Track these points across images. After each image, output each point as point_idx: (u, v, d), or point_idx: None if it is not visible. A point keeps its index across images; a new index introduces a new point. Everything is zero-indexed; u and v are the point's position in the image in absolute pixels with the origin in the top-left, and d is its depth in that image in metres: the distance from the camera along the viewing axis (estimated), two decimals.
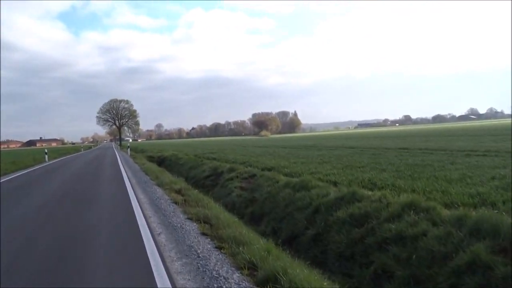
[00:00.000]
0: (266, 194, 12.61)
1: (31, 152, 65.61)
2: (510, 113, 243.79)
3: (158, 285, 4.63)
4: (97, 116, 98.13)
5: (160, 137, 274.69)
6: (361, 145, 31.49)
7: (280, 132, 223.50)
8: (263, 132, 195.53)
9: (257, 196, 13.06)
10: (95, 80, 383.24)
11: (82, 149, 73.98)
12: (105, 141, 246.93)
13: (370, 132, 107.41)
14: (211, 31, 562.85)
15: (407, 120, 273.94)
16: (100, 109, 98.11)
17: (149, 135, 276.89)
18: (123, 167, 22.88)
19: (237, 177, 16.74)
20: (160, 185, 14.70)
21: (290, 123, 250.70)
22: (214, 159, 25.67)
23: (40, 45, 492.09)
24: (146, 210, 9.62)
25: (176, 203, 10.85)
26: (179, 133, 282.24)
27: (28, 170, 24.58)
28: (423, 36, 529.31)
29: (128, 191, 12.83)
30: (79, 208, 10.13)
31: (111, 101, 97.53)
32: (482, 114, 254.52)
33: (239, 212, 12.60)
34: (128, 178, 17.26)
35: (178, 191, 13.13)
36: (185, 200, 11.22)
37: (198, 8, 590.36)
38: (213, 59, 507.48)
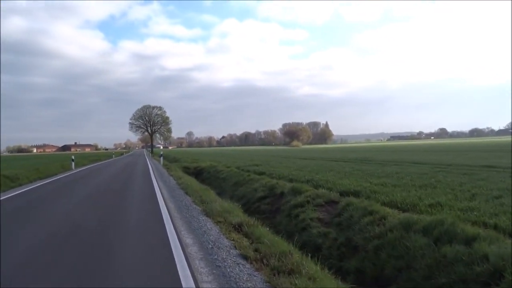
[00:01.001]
0: (375, 239, 8.09)
1: (62, 158, 63.12)
2: None
3: None
4: (130, 122, 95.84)
5: (190, 145, 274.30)
6: (426, 160, 26.61)
7: (311, 143, 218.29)
8: (294, 143, 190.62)
9: (357, 240, 8.54)
10: (130, 88, 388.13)
11: (113, 156, 71.12)
12: (136, 148, 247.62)
13: (408, 145, 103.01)
14: (245, 41, 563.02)
15: (443, 133, 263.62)
16: (133, 115, 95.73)
17: (179, 142, 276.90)
18: (156, 182, 18.77)
19: (308, 202, 12.23)
20: (209, 214, 10.36)
21: (321, 134, 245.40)
22: (263, 173, 21.28)
23: (79, 53, 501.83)
24: (203, 283, 5.24)
25: (246, 258, 6.49)
26: (209, 142, 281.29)
27: (47, 181, 20.77)
28: (461, 47, 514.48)
29: (166, 226, 8.52)
30: (83, 265, 5.86)
31: (144, 107, 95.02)
32: None
33: (329, 262, 8.14)
34: (164, 199, 13.05)
35: (238, 228, 8.78)
36: (257, 251, 6.86)
37: (233, 18, 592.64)
38: (245, 69, 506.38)
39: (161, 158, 34.37)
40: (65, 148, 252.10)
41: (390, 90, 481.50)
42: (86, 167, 35.32)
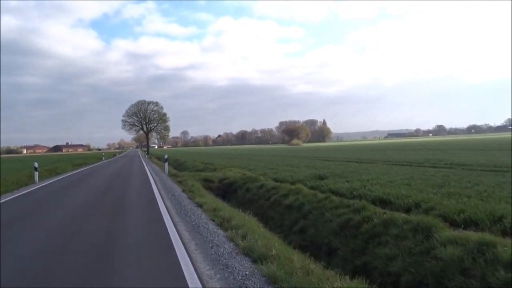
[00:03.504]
0: None
1: (45, 160, 53.08)
2: None
3: None
4: (122, 120, 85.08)
5: (186, 144, 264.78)
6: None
7: (309, 141, 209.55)
8: (295, 141, 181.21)
9: None
10: (124, 87, 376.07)
11: (103, 158, 60.95)
12: (130, 148, 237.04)
13: (409, 143, 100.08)
14: (240, 40, 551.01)
15: (441, 130, 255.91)
16: (126, 111, 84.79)
17: (175, 142, 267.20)
18: (183, 245, 6.84)
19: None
20: None
21: (319, 131, 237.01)
22: (357, 196, 11.71)
23: (72, 53, 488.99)
24: None
25: None
26: (205, 141, 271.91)
27: None
28: (456, 45, 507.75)
29: None
30: None
31: (138, 102, 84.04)
32: None
33: None
34: None
35: None
36: None
37: (228, 16, 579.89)
38: (240, 67, 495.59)
39: (166, 164, 24.09)
40: (57, 148, 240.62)
41: (385, 87, 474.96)
42: (61, 176, 25.47)
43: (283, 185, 14.89)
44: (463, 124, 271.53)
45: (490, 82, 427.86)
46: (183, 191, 14.47)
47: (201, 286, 4.63)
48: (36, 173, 20.93)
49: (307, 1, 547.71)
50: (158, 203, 11.30)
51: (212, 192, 17.52)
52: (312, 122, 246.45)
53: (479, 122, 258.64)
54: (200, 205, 10.92)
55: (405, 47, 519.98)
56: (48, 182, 20.02)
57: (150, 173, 24.11)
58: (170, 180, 19.32)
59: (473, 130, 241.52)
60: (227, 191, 18.21)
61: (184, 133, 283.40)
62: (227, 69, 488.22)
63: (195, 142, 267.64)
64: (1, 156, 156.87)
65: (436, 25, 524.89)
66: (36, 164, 21.28)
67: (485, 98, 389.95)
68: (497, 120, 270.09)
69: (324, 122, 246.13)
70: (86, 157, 66.15)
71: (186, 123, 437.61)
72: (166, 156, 25.23)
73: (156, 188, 15.10)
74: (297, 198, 12.27)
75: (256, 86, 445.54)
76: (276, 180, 17.23)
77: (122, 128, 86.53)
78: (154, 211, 10.07)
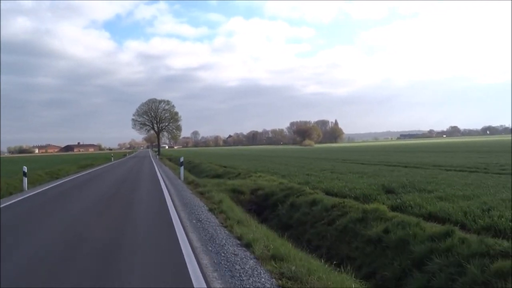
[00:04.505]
0: None
1: (46, 161, 49.58)
2: None
3: None
4: (133, 119, 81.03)
5: (196, 144, 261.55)
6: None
7: (321, 142, 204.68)
8: (307, 142, 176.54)
9: None
10: (135, 88, 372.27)
11: (112, 158, 57.10)
12: (141, 148, 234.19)
13: (425, 143, 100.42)
14: (251, 40, 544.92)
15: (454, 131, 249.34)
16: (137, 110, 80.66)
17: (185, 142, 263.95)
18: None
19: None
20: None
21: (331, 132, 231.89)
22: (441, 218, 7.51)
23: (85, 54, 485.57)
24: None
25: None
26: (216, 141, 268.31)
27: None
28: (467, 43, 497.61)
29: None
30: None
31: (149, 101, 79.71)
32: None
33: None
34: None
35: None
36: None
37: (239, 17, 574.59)
38: (251, 68, 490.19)
39: (182, 168, 19.72)
40: (68, 148, 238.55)
41: (396, 88, 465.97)
42: (58, 181, 21.50)
43: (347, 203, 10.63)
44: (477, 125, 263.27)
45: (502, 83, 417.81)
46: (210, 210, 10.28)
47: None
48: (25, 179, 16.90)
49: (317, 2, 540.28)
50: (179, 238, 7.08)
51: (243, 207, 13.36)
52: (323, 123, 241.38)
53: (494, 123, 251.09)
54: (246, 244, 6.72)
55: (416, 48, 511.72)
56: (36, 192, 15.87)
57: (163, 179, 19.94)
58: (188, 190, 15.12)
59: (488, 132, 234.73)
60: (262, 205, 14.00)
61: (195, 133, 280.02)
62: (238, 70, 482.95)
63: (205, 143, 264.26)
64: (12, 156, 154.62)
65: (447, 25, 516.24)
66: (25, 169, 17.25)
67: (498, 99, 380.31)
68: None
69: (336, 123, 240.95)
70: (95, 158, 62.46)
71: (197, 124, 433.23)
72: (181, 159, 20.99)
73: (172, 206, 10.87)
74: (387, 228, 8.04)
75: (267, 86, 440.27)
76: (327, 193, 13.02)
77: (133, 128, 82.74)
78: (173, 258, 5.88)
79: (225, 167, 28.50)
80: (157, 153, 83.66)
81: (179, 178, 20.01)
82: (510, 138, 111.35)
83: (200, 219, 8.98)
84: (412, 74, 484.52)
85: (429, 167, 21.70)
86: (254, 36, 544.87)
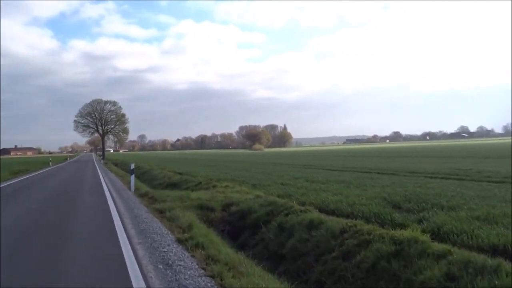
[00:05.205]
0: None
1: None
2: (501, 131, 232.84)
3: None
4: (75, 121, 74.68)
5: (143, 148, 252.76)
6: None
7: (270, 146, 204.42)
8: (257, 146, 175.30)
9: None
10: (80, 89, 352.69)
11: (50, 163, 51.52)
12: (84, 151, 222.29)
13: (373, 148, 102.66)
14: (201, 43, 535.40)
15: (397, 136, 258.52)
16: (80, 111, 74.31)
17: (131, 146, 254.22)
18: None
19: None
20: None
21: (280, 137, 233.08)
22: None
23: (26, 52, 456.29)
24: None
25: None
26: (163, 145, 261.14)
27: None
28: (411, 53, 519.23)
29: None
30: None
31: (94, 101, 73.66)
32: (474, 132, 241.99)
33: None
34: None
35: None
36: None
37: (189, 19, 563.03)
38: (201, 71, 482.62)
39: (133, 177, 16.06)
40: (4, 151, 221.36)
41: (342, 94, 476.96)
42: None
43: (360, 226, 8.00)
44: (417, 131, 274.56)
45: (441, 91, 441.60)
46: (180, 242, 7.25)
47: None
48: None
49: (269, 8, 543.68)
50: None
51: (214, 228, 10.42)
52: (272, 127, 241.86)
53: (433, 129, 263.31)
54: None
55: (362, 56, 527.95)
56: None
57: (109, 191, 16.38)
58: (142, 206, 11.87)
59: (427, 137, 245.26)
60: (238, 226, 11.08)
61: (142, 136, 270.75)
62: (188, 73, 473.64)
63: (152, 146, 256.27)
64: None
65: (391, 35, 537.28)
66: None
67: (437, 106, 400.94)
68: (450, 127, 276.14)
69: (284, 127, 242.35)
70: (32, 162, 56.32)
71: (144, 127, 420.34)
72: (132, 166, 17.45)
73: (124, 236, 7.68)
74: (450, 272, 5.47)
75: (217, 90, 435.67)
76: (322, 210, 10.38)
77: (74, 130, 76.31)
78: None
79: (180, 174, 25.24)
80: (101, 157, 77.86)
81: (129, 189, 16.58)
82: (448, 143, 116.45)
83: (169, 262, 5.94)
84: (358, 81, 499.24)
85: (407, 174, 19.95)
86: (204, 39, 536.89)
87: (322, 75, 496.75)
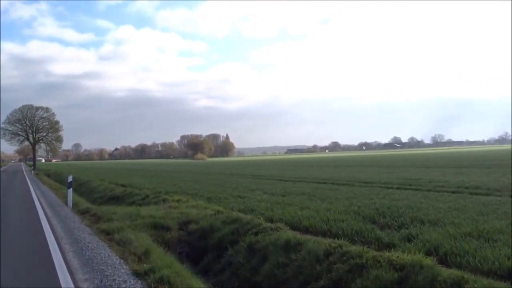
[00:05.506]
0: None
1: None
2: (430, 142, 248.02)
3: None
4: (2, 128, 68.51)
5: (78, 158, 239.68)
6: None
7: (212, 156, 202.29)
8: (199, 155, 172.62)
9: None
10: (8, 94, 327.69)
11: None
12: (12, 161, 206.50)
13: (314, 158, 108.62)
14: (141, 50, 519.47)
15: (336, 146, 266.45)
16: (8, 117, 68.19)
17: (65, 155, 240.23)
18: None
19: None
20: None
21: (222, 146, 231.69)
22: None
23: None
24: None
25: None
26: (101, 154, 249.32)
27: None
28: (347, 67, 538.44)
29: None
30: None
31: (23, 107, 67.86)
32: (405, 143, 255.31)
33: None
34: None
35: None
36: None
37: (129, 25, 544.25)
38: (141, 78, 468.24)
39: (70, 191, 13.99)
40: None
41: (283, 105, 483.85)
42: None
43: (347, 247, 7.02)
44: (354, 141, 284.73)
45: (376, 103, 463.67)
46: (139, 277, 5.81)
47: None
48: None
49: (212, 17, 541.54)
50: None
51: (170, 251, 9.02)
52: (215, 137, 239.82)
53: (369, 140, 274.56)
54: None
55: (302, 68, 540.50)
56: None
57: (42, 206, 14.24)
58: (84, 226, 10.12)
59: (364, 147, 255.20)
60: (198, 247, 9.69)
61: (77, 145, 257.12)
62: (127, 80, 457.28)
63: (89, 156, 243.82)
64: None
65: (330, 49, 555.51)
66: None
67: (372, 118, 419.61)
68: (384, 138, 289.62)
69: (227, 137, 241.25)
70: None
71: (79, 135, 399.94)
72: (70, 179, 15.34)
73: (66, 271, 6.09)
74: None
75: (157, 98, 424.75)
76: (295, 228, 9.32)
77: (2, 138, 70.00)
78: None
79: (123, 186, 23.20)
80: (32, 167, 71.99)
81: (66, 204, 14.54)
82: (383, 153, 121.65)
83: None
84: (298, 92, 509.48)
85: (362, 184, 19.53)
86: (145, 46, 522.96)
87: (264, 85, 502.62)
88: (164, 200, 14.80)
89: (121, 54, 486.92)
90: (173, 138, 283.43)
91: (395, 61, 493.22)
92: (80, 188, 26.76)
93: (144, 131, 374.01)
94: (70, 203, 14.14)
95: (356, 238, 7.88)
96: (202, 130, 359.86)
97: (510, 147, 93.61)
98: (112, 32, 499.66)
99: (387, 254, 6.47)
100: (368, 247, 7.19)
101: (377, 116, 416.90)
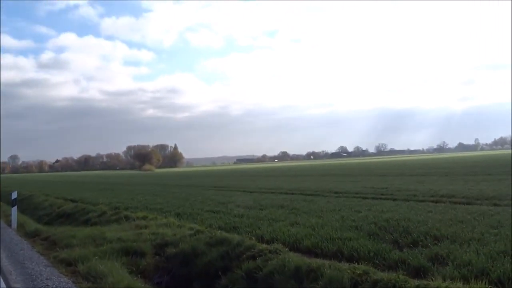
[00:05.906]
0: None
1: None
2: (374, 151, 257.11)
3: None
4: None
5: (15, 170, 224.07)
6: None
7: (161, 166, 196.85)
8: (147, 166, 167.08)
9: None
10: None
11: None
12: None
13: (261, 168, 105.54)
14: (84, 58, 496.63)
15: (285, 156, 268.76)
16: None
17: (1, 168, 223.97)
18: None
19: None
20: None
21: (170, 157, 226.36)
22: None
23: None
24: None
25: None
26: (40, 166, 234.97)
27: None
28: (294, 78, 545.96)
29: None
30: None
31: None
32: (351, 152, 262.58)
33: None
34: None
35: None
36: None
37: (71, 33, 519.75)
38: (84, 88, 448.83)
39: (14, 210, 11.54)
40: None
41: (233, 115, 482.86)
42: None
43: (374, 274, 5.81)
44: (302, 150, 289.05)
45: (323, 113, 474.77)
46: None
47: None
48: None
49: (159, 26, 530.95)
50: None
51: (147, 281, 7.42)
52: (162, 147, 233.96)
53: (316, 149, 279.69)
54: None
55: (251, 79, 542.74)
56: None
57: None
58: (38, 255, 8.21)
59: (312, 157, 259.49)
60: (180, 275, 8.09)
61: (13, 157, 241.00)
62: (69, 89, 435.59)
63: (27, 168, 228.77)
64: None
65: (276, 60, 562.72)
66: None
67: (320, 128, 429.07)
68: (331, 147, 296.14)
69: (175, 147, 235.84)
70: None
71: (16, 147, 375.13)
72: (14, 195, 13.06)
73: None
74: None
75: (101, 108, 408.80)
76: (294, 248, 8.03)
77: None
78: None
79: (73, 201, 20.83)
80: None
81: (9, 225, 12.30)
82: (330, 162, 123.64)
83: None
84: (247, 102, 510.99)
85: (337, 195, 18.58)
86: (88, 54, 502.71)
87: (213, 96, 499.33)
88: (126, 217, 12.97)
89: (62, 62, 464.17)
90: (119, 148, 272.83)
91: (341, 72, 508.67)
92: (22, 204, 23.79)
93: (88, 142, 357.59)
94: (14, 224, 11.96)
95: (377, 261, 6.71)
96: (150, 141, 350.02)
97: (448, 155, 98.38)
98: (53, 39, 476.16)
99: (432, 283, 5.33)
100: (395, 273, 6.04)
101: (325, 126, 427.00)
